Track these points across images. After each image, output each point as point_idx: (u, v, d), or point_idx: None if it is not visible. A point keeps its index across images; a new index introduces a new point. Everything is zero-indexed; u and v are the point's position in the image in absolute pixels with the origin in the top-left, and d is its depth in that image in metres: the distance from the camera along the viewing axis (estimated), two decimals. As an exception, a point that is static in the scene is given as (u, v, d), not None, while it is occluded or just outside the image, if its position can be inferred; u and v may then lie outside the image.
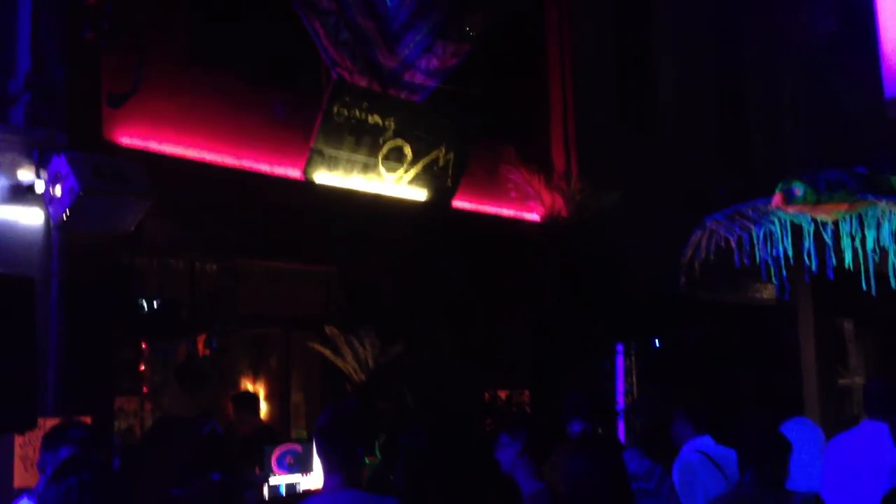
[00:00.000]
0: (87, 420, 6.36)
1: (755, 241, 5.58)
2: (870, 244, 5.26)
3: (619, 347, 9.84)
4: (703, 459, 4.90)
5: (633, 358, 10.22)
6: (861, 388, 13.19)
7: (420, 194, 8.70)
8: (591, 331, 8.88)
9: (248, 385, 8.94)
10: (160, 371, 7.85)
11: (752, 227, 5.58)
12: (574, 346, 8.83)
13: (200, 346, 7.89)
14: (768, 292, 10.71)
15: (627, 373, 10.13)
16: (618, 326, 9.28)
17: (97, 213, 6.26)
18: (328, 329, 7.74)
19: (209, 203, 7.14)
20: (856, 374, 13.18)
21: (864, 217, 5.18)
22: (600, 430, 4.07)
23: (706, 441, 5.03)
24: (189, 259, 7.79)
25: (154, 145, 7.10)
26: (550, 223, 9.42)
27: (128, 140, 6.96)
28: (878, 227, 5.15)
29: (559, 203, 9.47)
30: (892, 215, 5.09)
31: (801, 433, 8.43)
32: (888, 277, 5.57)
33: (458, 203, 9.09)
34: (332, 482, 3.19)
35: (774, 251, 5.58)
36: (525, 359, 9.14)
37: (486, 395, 9.16)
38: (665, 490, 3.71)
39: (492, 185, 9.53)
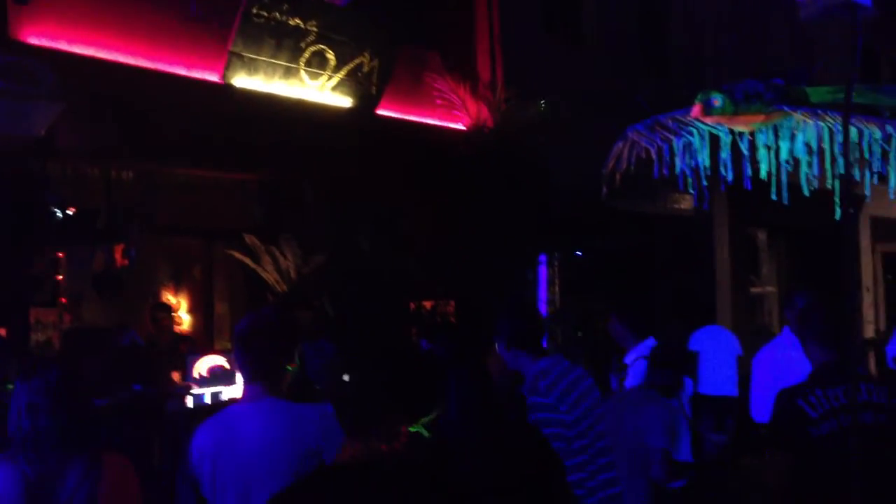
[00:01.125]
0: (2, 332, 6.25)
1: (675, 152, 5.63)
2: (784, 155, 5.35)
3: (542, 258, 9.96)
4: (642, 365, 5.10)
5: (555, 268, 10.36)
6: (772, 295, 13.72)
7: (344, 101, 8.55)
8: (515, 241, 8.96)
9: (170, 296, 8.85)
10: (78, 281, 7.68)
11: (672, 137, 5.61)
12: (498, 257, 8.90)
13: (118, 256, 7.74)
14: (686, 203, 10.96)
15: (550, 283, 10.28)
16: (541, 237, 9.37)
17: (4, 117, 6.02)
18: (248, 239, 7.65)
19: (124, 107, 6.87)
20: (768, 283, 13.66)
21: (779, 128, 5.27)
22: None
23: (650, 344, 5.21)
24: (104, 166, 7.57)
25: (65, 45, 6.79)
26: (475, 132, 9.38)
27: (36, 39, 6.64)
28: (793, 138, 5.25)
29: (484, 112, 9.42)
30: (807, 126, 5.18)
31: (713, 340, 8.79)
32: (801, 188, 5.71)
33: (383, 111, 8.97)
34: (253, 391, 3.17)
35: (693, 162, 5.65)
36: (449, 269, 9.21)
37: (412, 305, 9.24)
38: (566, 404, 3.80)
39: (417, 94, 9.42)
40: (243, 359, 3.21)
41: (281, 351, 3.23)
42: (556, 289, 10.34)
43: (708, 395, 7.06)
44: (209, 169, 7.98)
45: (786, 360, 4.98)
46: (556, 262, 10.14)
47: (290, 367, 3.36)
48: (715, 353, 8.54)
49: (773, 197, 5.50)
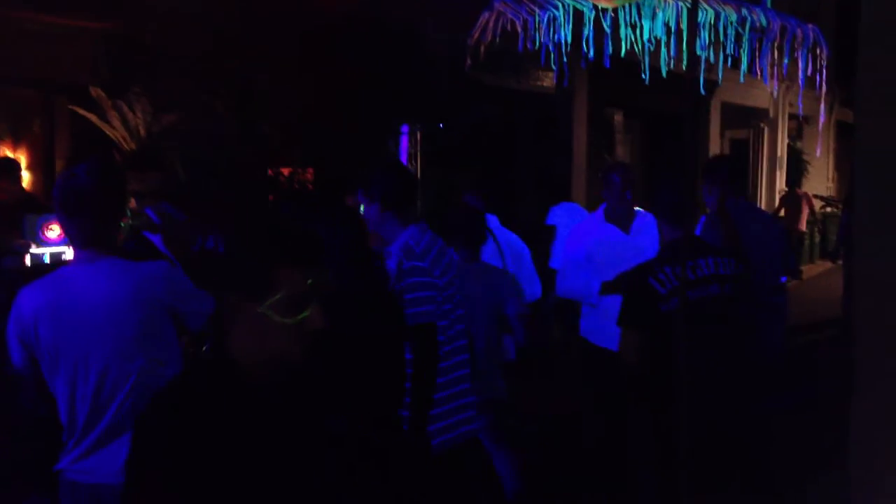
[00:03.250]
0: None
1: (538, 26, 5.59)
2: (646, 34, 5.41)
3: (404, 128, 9.87)
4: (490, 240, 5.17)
5: (417, 140, 10.29)
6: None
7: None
8: (377, 109, 8.80)
9: (8, 151, 8.31)
10: None
11: (538, 10, 5.56)
12: (359, 125, 8.75)
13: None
14: (548, 81, 11.02)
15: (412, 156, 10.23)
16: (403, 106, 9.25)
17: None
18: (94, 92, 7.19)
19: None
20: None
21: (641, 7, 5.30)
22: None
23: (492, 221, 5.26)
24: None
25: None
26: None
27: None
28: (654, 17, 5.29)
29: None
30: (667, 6, 5.23)
31: (569, 216, 9.02)
32: (660, 70, 5.80)
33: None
34: (85, 255, 2.99)
35: (556, 37, 5.63)
36: (309, 136, 8.99)
37: (269, 171, 9.01)
38: (439, 268, 3.79)
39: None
40: (65, 225, 2.99)
41: (103, 213, 2.99)
42: (418, 161, 10.31)
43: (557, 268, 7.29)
44: (51, 15, 7.38)
45: (595, 237, 5.14)
46: (417, 133, 10.07)
47: (123, 223, 3.19)
48: (569, 228, 8.79)
49: (637, 77, 5.58)
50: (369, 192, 3.77)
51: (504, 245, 5.32)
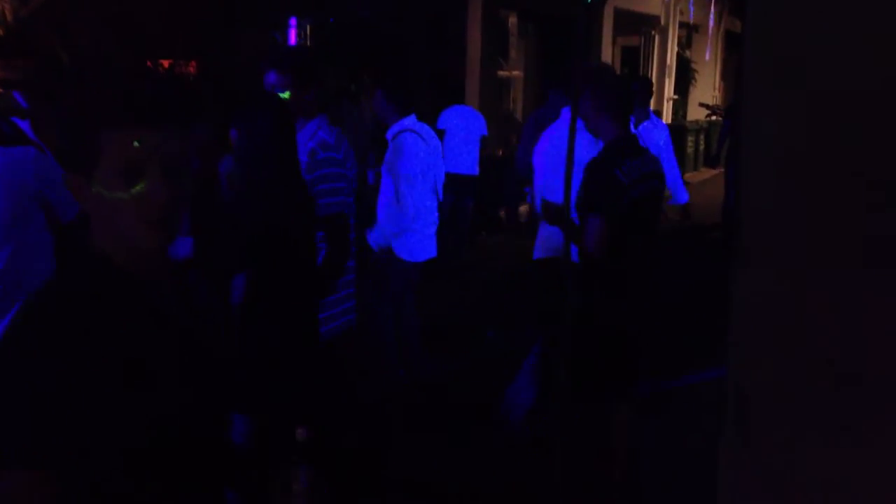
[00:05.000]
0: None
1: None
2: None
3: (292, 21, 9.49)
4: (412, 136, 5.07)
5: (307, 34, 9.95)
6: (518, 80, 14.10)
7: None
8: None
9: None
10: None
11: None
12: (244, 14, 8.36)
13: None
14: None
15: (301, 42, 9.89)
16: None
17: None
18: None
19: None
20: (515, 67, 13.97)
21: None
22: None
23: (412, 120, 5.17)
24: None
25: None
26: None
27: None
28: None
29: None
30: None
31: (461, 119, 8.94)
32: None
33: None
34: None
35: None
36: (190, 24, 8.53)
37: (148, 62, 8.54)
38: (350, 161, 3.76)
39: None
40: None
41: None
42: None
43: (451, 172, 7.24)
44: None
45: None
46: (307, 26, 9.72)
47: None
48: (460, 131, 8.72)
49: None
50: (282, 70, 3.63)
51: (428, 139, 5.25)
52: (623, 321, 3.86)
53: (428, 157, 5.18)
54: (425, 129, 5.27)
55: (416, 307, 5.47)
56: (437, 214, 5.43)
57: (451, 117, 8.84)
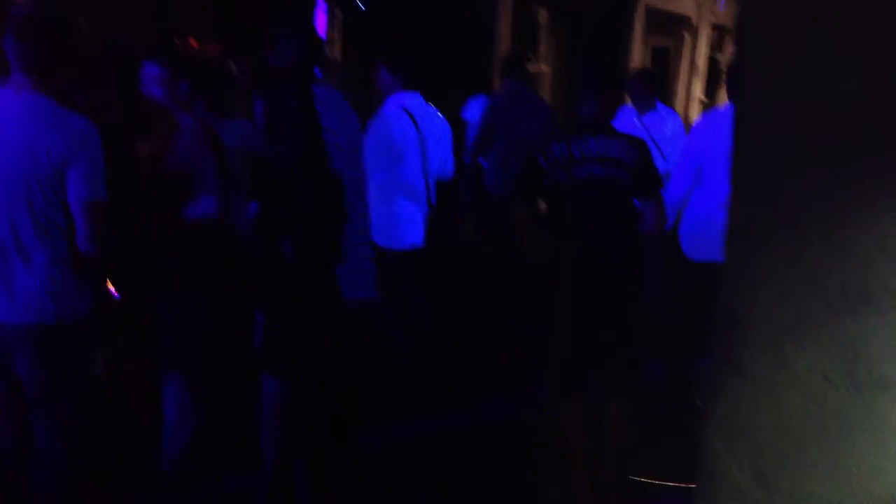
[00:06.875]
0: None
1: None
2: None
3: (321, 3, 9.47)
4: (399, 113, 5.04)
5: (336, 18, 9.93)
6: (546, 74, 14.02)
7: None
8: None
9: None
10: None
11: None
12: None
13: None
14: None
15: (329, 38, 9.87)
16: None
17: None
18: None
19: None
20: (544, 61, 13.88)
21: None
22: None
23: (411, 97, 5.12)
24: None
25: None
26: None
27: None
28: None
29: None
30: None
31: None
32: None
33: None
34: (20, 80, 2.94)
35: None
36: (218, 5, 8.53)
37: (177, 42, 8.51)
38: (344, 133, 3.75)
39: None
40: (15, 46, 2.93)
41: (59, 47, 2.95)
42: (336, 34, 10.00)
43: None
44: None
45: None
46: (336, 8, 9.70)
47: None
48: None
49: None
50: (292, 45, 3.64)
51: (424, 120, 5.19)
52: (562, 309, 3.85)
53: (412, 137, 5.07)
54: (428, 109, 5.21)
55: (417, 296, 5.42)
56: (425, 198, 5.33)
57: (477, 109, 8.81)
